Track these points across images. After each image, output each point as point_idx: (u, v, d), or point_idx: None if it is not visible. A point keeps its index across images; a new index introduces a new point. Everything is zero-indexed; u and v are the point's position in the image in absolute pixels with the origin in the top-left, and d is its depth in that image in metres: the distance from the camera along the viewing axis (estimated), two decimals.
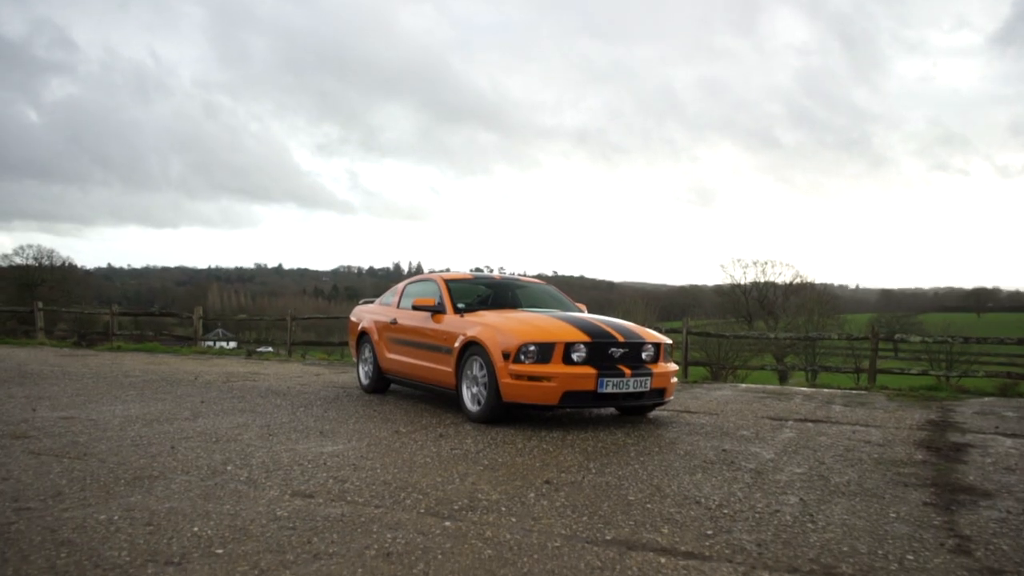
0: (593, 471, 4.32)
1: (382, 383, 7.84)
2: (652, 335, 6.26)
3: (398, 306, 7.72)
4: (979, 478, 4.38)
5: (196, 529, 3.07)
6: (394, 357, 7.43)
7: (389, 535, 3.06)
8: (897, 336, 12.03)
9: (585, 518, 3.37)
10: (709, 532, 3.21)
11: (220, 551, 2.83)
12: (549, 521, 3.31)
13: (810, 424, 6.35)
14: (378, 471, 4.20)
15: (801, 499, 3.80)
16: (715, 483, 4.10)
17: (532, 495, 3.75)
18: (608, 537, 3.11)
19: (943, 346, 30.07)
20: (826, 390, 9.64)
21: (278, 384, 8.65)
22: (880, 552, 3.00)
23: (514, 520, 3.32)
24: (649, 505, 3.62)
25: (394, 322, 7.52)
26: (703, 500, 3.73)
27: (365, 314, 8.30)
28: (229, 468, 4.20)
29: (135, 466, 4.20)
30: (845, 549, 3.03)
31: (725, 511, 3.55)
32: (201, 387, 8.19)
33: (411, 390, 8.02)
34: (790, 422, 6.44)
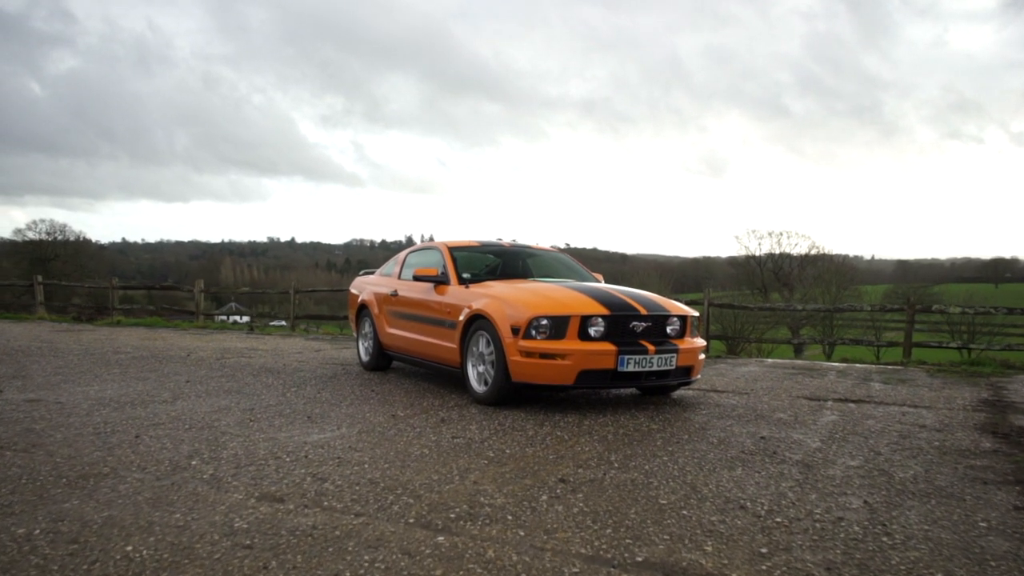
0: (616, 465, 3.72)
1: (383, 360, 7.27)
2: (678, 307, 5.62)
3: (399, 277, 7.11)
4: None
5: (129, 548, 2.50)
6: (395, 332, 6.85)
7: (367, 557, 2.47)
8: (936, 307, 11.30)
9: (609, 530, 2.77)
10: (763, 551, 2.60)
11: None
12: (565, 535, 2.71)
13: (852, 405, 5.72)
14: (366, 466, 3.62)
15: (865, 502, 3.19)
16: (759, 480, 3.48)
17: (544, 498, 3.15)
18: (639, 559, 2.50)
19: (964, 317, 29.19)
20: (859, 366, 8.98)
21: (274, 361, 8.10)
22: None
23: (522, 534, 2.72)
24: (685, 511, 3.01)
25: (395, 294, 6.92)
26: (749, 504, 3.12)
27: (365, 286, 7.71)
28: (194, 463, 3.63)
29: (86, 461, 3.64)
30: None
31: (778, 519, 2.93)
32: (191, 365, 7.66)
33: (414, 368, 7.45)
34: (829, 402, 5.82)
